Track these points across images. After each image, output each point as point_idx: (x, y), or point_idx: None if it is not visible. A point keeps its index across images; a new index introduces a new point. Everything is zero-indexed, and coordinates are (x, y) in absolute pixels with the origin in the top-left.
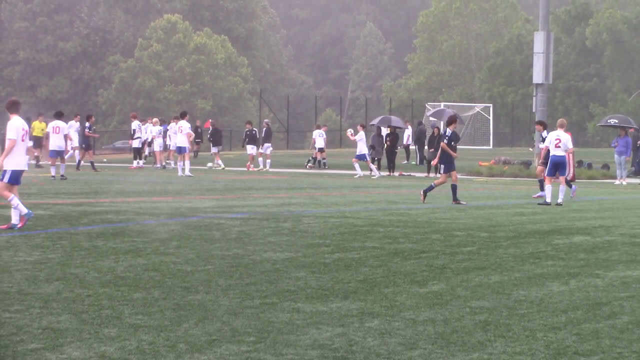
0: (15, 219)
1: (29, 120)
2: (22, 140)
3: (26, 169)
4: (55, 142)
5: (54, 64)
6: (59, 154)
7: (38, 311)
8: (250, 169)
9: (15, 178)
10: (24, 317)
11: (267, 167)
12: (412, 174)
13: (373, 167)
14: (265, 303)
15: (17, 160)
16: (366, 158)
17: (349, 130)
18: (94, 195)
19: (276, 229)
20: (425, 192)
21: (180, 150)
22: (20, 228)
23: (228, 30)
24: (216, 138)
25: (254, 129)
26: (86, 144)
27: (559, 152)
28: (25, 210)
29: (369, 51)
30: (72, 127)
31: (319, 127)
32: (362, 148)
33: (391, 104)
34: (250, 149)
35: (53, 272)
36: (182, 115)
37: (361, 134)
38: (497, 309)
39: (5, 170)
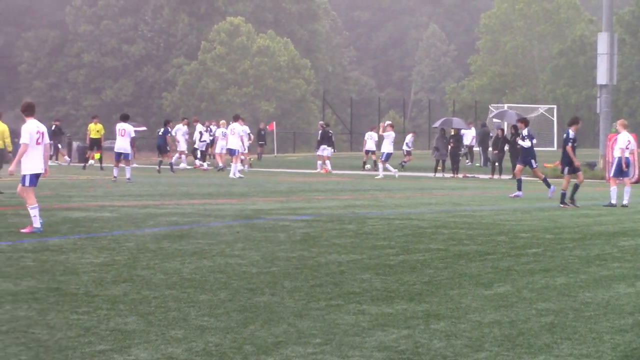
0: (37, 223)
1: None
2: (38, 144)
3: (42, 172)
4: (119, 145)
5: (118, 67)
6: (123, 157)
7: (105, 313)
8: (323, 171)
9: (34, 181)
10: (92, 318)
11: (320, 169)
12: (476, 175)
13: (381, 167)
14: (330, 305)
15: (34, 163)
16: (387, 158)
17: (386, 121)
18: (159, 197)
19: (341, 231)
20: (571, 199)
21: (231, 152)
22: (24, 233)
23: (291, 33)
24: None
25: (330, 130)
26: (164, 146)
27: (627, 154)
28: (38, 225)
29: (432, 53)
30: (179, 131)
31: (372, 129)
32: (388, 147)
33: (454, 105)
34: (322, 150)
35: (120, 274)
36: (235, 118)
37: (390, 133)
38: (563, 311)
39: (24, 175)
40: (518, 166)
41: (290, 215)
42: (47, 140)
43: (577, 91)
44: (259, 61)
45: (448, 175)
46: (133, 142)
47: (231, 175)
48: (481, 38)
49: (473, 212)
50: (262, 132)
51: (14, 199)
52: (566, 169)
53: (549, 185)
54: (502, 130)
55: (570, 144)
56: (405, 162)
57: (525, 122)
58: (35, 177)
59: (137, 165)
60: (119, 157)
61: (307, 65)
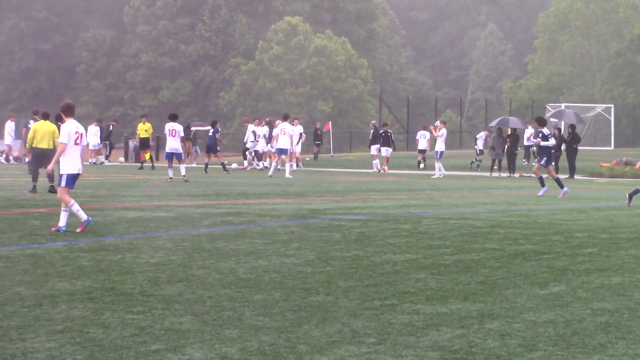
0: (63, 222)
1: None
2: (76, 144)
3: (81, 172)
4: (171, 145)
5: (175, 67)
6: (176, 157)
7: (160, 312)
8: (383, 171)
9: (71, 182)
10: (147, 318)
11: (376, 169)
12: (533, 175)
13: (437, 166)
14: (385, 304)
15: (72, 163)
16: (441, 156)
17: (436, 122)
18: (215, 197)
19: (396, 231)
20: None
21: (281, 151)
22: (79, 232)
23: (348, 32)
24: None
25: (389, 130)
26: (215, 147)
27: None
28: (84, 217)
29: (490, 52)
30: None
31: (424, 128)
32: (441, 146)
33: (511, 105)
34: (385, 151)
35: (175, 273)
36: (285, 118)
37: (443, 131)
38: (618, 311)
39: (61, 175)
40: (536, 165)
41: (345, 215)
42: (85, 141)
43: (635, 90)
44: (316, 61)
45: (504, 174)
46: (183, 140)
47: (287, 175)
48: (539, 37)
49: (529, 211)
50: (319, 132)
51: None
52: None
53: (561, 186)
54: (559, 129)
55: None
56: (475, 160)
57: (542, 121)
58: (72, 178)
59: (195, 165)
60: (171, 157)
61: (364, 65)
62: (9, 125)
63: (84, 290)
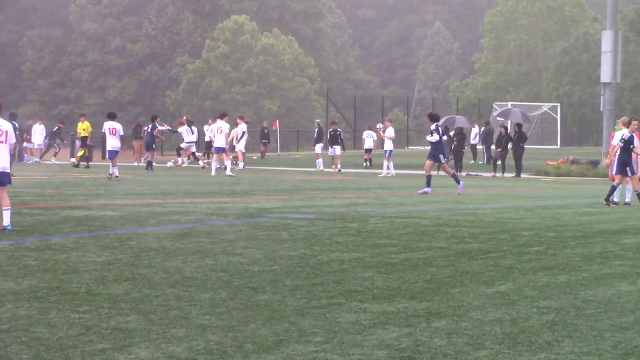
0: (7, 221)
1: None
2: (1, 142)
3: (8, 170)
4: (112, 143)
5: (122, 65)
6: (116, 154)
7: (107, 311)
8: (337, 170)
9: None
10: (93, 317)
11: (319, 168)
12: (479, 173)
13: (385, 164)
14: (332, 303)
15: None
16: (388, 155)
17: (378, 125)
18: (162, 196)
19: (343, 229)
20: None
21: (218, 150)
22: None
23: (295, 31)
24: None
25: (338, 129)
26: (151, 143)
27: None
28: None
29: (437, 51)
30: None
31: (370, 128)
32: (389, 145)
33: (458, 103)
34: (333, 150)
35: (121, 272)
36: (222, 116)
37: (390, 130)
38: (564, 309)
39: None
40: (427, 162)
41: (292, 214)
42: (12, 139)
43: (581, 89)
44: (263, 60)
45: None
46: (123, 139)
47: (227, 172)
48: (485, 36)
49: (475, 210)
50: (266, 131)
51: (16, 198)
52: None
53: (458, 182)
54: (506, 128)
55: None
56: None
57: (433, 117)
58: None
59: (138, 164)
60: (115, 155)
61: (311, 64)
62: None
63: (30, 289)
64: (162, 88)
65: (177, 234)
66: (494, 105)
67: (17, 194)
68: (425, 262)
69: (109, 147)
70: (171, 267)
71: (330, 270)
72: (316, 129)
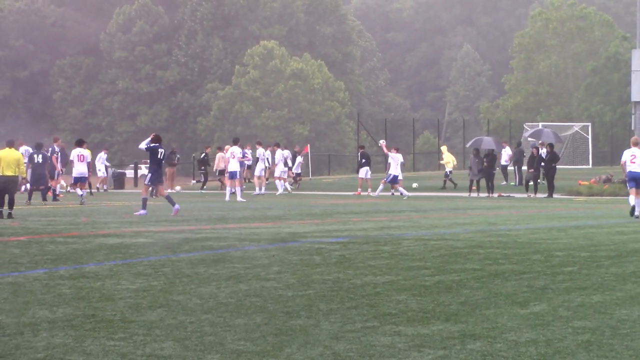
0: None
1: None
2: None
3: None
4: (78, 169)
5: (153, 92)
6: (81, 181)
7: (142, 338)
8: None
9: None
10: (128, 344)
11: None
12: (512, 195)
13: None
14: (366, 327)
15: None
16: (396, 181)
17: (381, 141)
18: (194, 222)
19: (376, 253)
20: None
21: (232, 175)
22: None
23: (325, 55)
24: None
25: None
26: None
27: (634, 168)
28: None
29: (467, 73)
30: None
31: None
32: (394, 169)
33: (489, 125)
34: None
35: (156, 299)
36: (234, 142)
37: (397, 156)
38: (599, 329)
39: None
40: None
41: (325, 238)
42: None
43: (612, 108)
44: (293, 84)
45: (483, 194)
46: (89, 165)
47: (227, 198)
48: (515, 57)
49: (508, 231)
50: (297, 155)
51: (49, 227)
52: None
53: (173, 204)
54: (537, 149)
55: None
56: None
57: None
58: None
59: (179, 189)
60: (79, 181)
61: (341, 88)
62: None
63: (65, 317)
64: (193, 114)
65: (211, 259)
66: (525, 126)
67: (51, 222)
68: (459, 284)
69: (75, 173)
70: (205, 293)
71: (364, 293)
72: (359, 153)
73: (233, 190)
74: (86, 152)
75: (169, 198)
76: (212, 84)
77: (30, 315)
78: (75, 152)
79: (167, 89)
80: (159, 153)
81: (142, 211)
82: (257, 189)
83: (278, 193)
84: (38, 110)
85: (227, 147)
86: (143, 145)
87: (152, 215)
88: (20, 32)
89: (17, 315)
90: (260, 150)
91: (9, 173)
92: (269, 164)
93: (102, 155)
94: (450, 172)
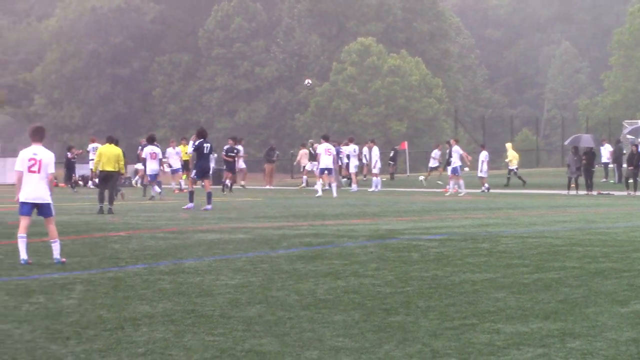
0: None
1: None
2: (30, 171)
3: (34, 201)
4: (151, 167)
5: (251, 89)
6: (150, 178)
7: (241, 334)
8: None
9: (21, 209)
10: (227, 340)
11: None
12: (611, 192)
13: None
14: (465, 324)
15: (24, 191)
16: (458, 172)
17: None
18: (292, 218)
19: (474, 250)
20: None
21: (322, 171)
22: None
23: (422, 52)
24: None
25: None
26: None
27: None
28: (22, 255)
29: (565, 70)
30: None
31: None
32: (455, 161)
33: (587, 122)
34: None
35: (254, 295)
36: (325, 138)
37: (455, 148)
38: None
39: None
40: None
41: (423, 235)
42: (52, 169)
43: None
44: (391, 81)
45: (582, 192)
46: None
47: (319, 193)
48: (614, 54)
49: (607, 229)
50: (394, 152)
51: (149, 222)
52: None
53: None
54: (636, 146)
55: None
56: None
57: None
58: (22, 206)
59: (270, 187)
60: (155, 178)
61: (438, 85)
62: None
63: (165, 312)
64: (291, 111)
65: (309, 256)
66: (624, 124)
67: (150, 218)
68: (558, 282)
69: (149, 170)
70: (304, 289)
71: (463, 291)
72: (448, 150)
73: (327, 187)
74: (158, 150)
75: (209, 195)
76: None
77: (130, 310)
78: (148, 150)
79: (265, 85)
80: (205, 148)
81: (189, 204)
82: (353, 185)
83: (371, 189)
84: (137, 106)
85: (311, 141)
86: (190, 148)
87: (250, 211)
88: (119, 29)
89: (117, 310)
90: (351, 147)
91: (109, 168)
92: (366, 160)
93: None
94: (517, 169)
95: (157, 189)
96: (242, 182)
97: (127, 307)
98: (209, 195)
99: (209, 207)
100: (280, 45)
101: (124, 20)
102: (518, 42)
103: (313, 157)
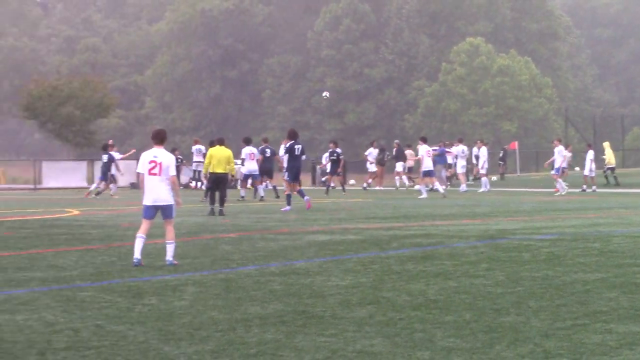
0: (169, 255)
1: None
2: (151, 174)
3: (155, 203)
4: (249, 167)
5: (360, 90)
6: (253, 177)
7: (352, 335)
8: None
9: (145, 213)
10: (338, 341)
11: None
12: None
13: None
14: (576, 324)
15: (146, 194)
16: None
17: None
18: (403, 219)
19: (585, 250)
20: None
21: (427, 174)
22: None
23: (531, 52)
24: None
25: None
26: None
27: None
28: (136, 255)
29: None
30: (370, 155)
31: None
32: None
33: None
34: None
35: (365, 296)
36: (423, 140)
37: (559, 148)
38: None
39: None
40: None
41: (534, 235)
42: (172, 171)
43: None
44: (500, 81)
45: None
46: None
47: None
48: None
49: None
50: (504, 152)
51: (259, 224)
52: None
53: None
54: None
55: None
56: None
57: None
58: (146, 209)
59: (380, 188)
60: (248, 178)
61: (548, 84)
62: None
63: (276, 313)
64: (400, 112)
65: (419, 256)
66: None
67: (261, 219)
68: None
69: (245, 170)
70: (414, 290)
71: (574, 291)
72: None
73: (430, 187)
74: (255, 150)
75: (289, 196)
76: (419, 81)
77: (242, 312)
78: (246, 151)
79: (374, 86)
80: (296, 150)
81: (287, 207)
82: (462, 186)
83: (481, 190)
84: (247, 108)
85: (397, 142)
86: (282, 151)
87: (360, 212)
88: (229, 31)
89: (229, 312)
90: (460, 147)
91: (219, 170)
92: (476, 160)
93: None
94: (613, 168)
95: (260, 190)
96: (369, 182)
97: (239, 308)
98: (289, 197)
99: (287, 208)
100: (389, 46)
101: (233, 23)
102: (628, 40)
103: (397, 157)
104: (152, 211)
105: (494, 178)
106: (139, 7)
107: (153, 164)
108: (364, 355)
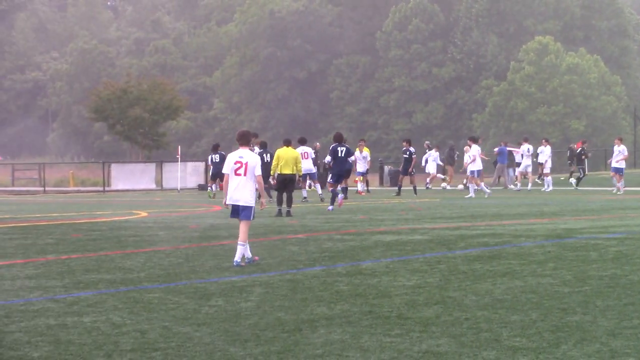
0: (237, 256)
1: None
2: (236, 174)
3: (235, 202)
4: (305, 166)
5: (428, 90)
6: (310, 177)
7: (418, 335)
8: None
9: (232, 213)
10: (404, 341)
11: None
12: None
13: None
14: None
15: (228, 194)
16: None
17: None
18: (470, 218)
19: None
20: None
21: (473, 173)
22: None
23: (600, 50)
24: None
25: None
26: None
27: None
28: (247, 254)
29: None
30: (430, 157)
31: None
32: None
33: None
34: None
35: (432, 296)
36: (473, 140)
37: (621, 147)
38: None
39: None
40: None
41: (601, 234)
42: (258, 171)
43: None
44: (569, 79)
45: None
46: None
47: (470, 194)
48: None
49: None
50: (570, 151)
51: (327, 224)
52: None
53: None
54: None
55: None
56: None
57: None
58: (231, 209)
59: (448, 187)
60: (306, 178)
61: (617, 82)
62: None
63: (342, 314)
64: (468, 111)
65: (486, 256)
66: None
67: (328, 220)
68: None
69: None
70: (481, 290)
71: None
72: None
73: (477, 187)
74: (309, 150)
75: (333, 192)
76: (488, 80)
77: (308, 312)
78: (300, 151)
79: (442, 86)
80: (339, 152)
81: (330, 207)
82: (529, 184)
83: (544, 189)
84: (315, 109)
85: (427, 143)
86: (329, 158)
87: (427, 212)
88: (297, 32)
89: (295, 312)
90: (525, 147)
91: (287, 171)
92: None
93: (433, 153)
94: None
95: (319, 188)
96: (440, 181)
97: (305, 309)
98: (334, 195)
99: (330, 207)
100: (458, 45)
101: (301, 24)
102: None
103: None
104: (235, 210)
105: (562, 178)
106: (209, 9)
107: (239, 165)
108: (430, 355)
